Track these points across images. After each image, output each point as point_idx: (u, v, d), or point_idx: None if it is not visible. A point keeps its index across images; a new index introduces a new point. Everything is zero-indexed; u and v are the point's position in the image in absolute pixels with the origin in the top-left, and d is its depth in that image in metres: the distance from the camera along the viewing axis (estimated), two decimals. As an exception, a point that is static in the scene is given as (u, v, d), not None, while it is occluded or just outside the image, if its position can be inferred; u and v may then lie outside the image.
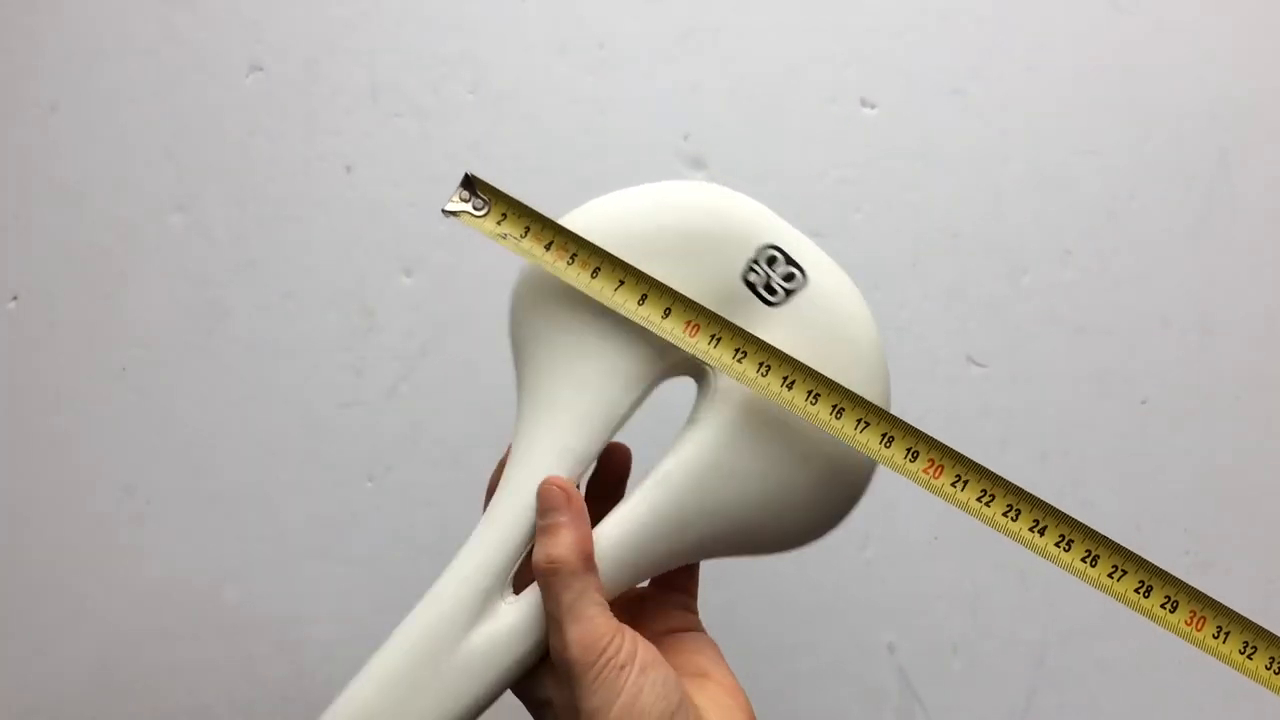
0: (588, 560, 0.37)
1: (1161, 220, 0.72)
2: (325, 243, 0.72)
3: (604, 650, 0.35)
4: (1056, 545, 0.38)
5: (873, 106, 0.72)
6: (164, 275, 0.72)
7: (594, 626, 0.35)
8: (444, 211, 0.39)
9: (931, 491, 0.37)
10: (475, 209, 0.39)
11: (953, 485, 0.37)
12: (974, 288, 0.71)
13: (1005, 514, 0.37)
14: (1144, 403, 0.71)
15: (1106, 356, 0.71)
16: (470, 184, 0.40)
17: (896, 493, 0.71)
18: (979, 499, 0.37)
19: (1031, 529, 0.37)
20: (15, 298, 0.72)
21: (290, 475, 0.72)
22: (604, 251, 0.39)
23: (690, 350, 0.38)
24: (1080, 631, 0.71)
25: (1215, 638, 0.37)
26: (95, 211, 0.72)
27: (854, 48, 0.72)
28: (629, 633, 0.36)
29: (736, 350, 0.38)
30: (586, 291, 0.38)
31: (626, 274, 0.38)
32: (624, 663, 0.35)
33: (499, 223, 0.39)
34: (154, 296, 0.72)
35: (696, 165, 0.71)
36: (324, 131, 0.72)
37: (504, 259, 0.72)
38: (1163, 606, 0.37)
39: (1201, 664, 0.71)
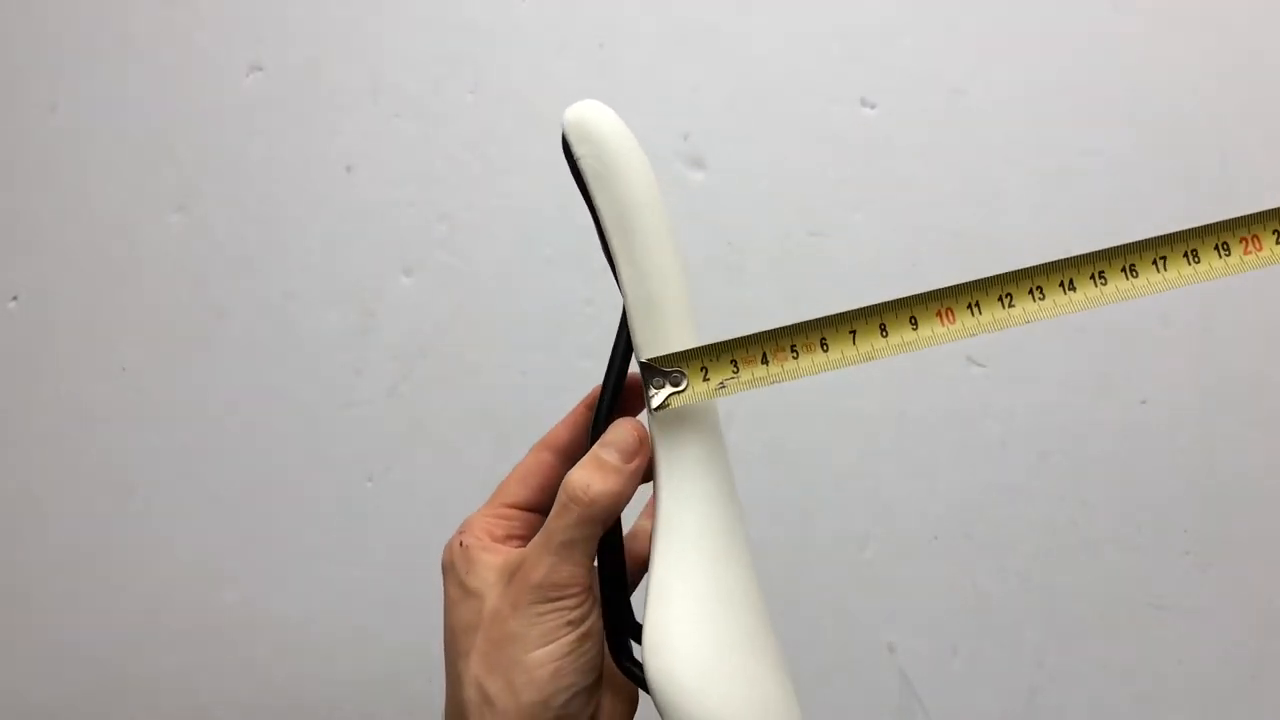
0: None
1: (1160, 220, 0.71)
2: (325, 243, 0.72)
3: (567, 596, 0.35)
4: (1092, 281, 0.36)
5: (873, 106, 0.72)
6: (164, 275, 0.72)
7: (575, 573, 0.36)
8: (653, 411, 0.36)
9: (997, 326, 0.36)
10: (676, 385, 0.36)
11: (970, 310, 0.36)
12: (974, 288, 0.71)
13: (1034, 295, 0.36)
14: (1144, 403, 0.71)
15: (1106, 356, 0.71)
16: (651, 371, 0.36)
17: (896, 493, 0.71)
18: (1001, 302, 0.36)
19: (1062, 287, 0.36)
20: (15, 298, 0.72)
21: (290, 475, 0.72)
22: (817, 321, 0.36)
23: (959, 338, 0.36)
24: (1080, 631, 0.71)
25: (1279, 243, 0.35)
26: (95, 211, 0.72)
27: (854, 48, 0.72)
28: (596, 606, 0.36)
29: (1000, 299, 0.37)
30: (827, 370, 0.36)
31: (850, 321, 0.36)
32: (574, 620, 0.35)
33: (707, 379, 0.36)
34: (154, 296, 0.72)
35: (696, 165, 0.71)
36: (324, 131, 0.72)
37: (503, 260, 0.72)
38: (1216, 250, 0.35)
39: (1202, 664, 0.71)
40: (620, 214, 0.38)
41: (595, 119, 0.38)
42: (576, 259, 0.69)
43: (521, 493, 0.40)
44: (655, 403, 0.36)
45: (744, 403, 0.69)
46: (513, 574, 0.36)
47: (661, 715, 0.34)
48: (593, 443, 0.37)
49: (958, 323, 0.36)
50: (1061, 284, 0.35)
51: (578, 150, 0.38)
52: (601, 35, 0.72)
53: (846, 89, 0.72)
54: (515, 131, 0.71)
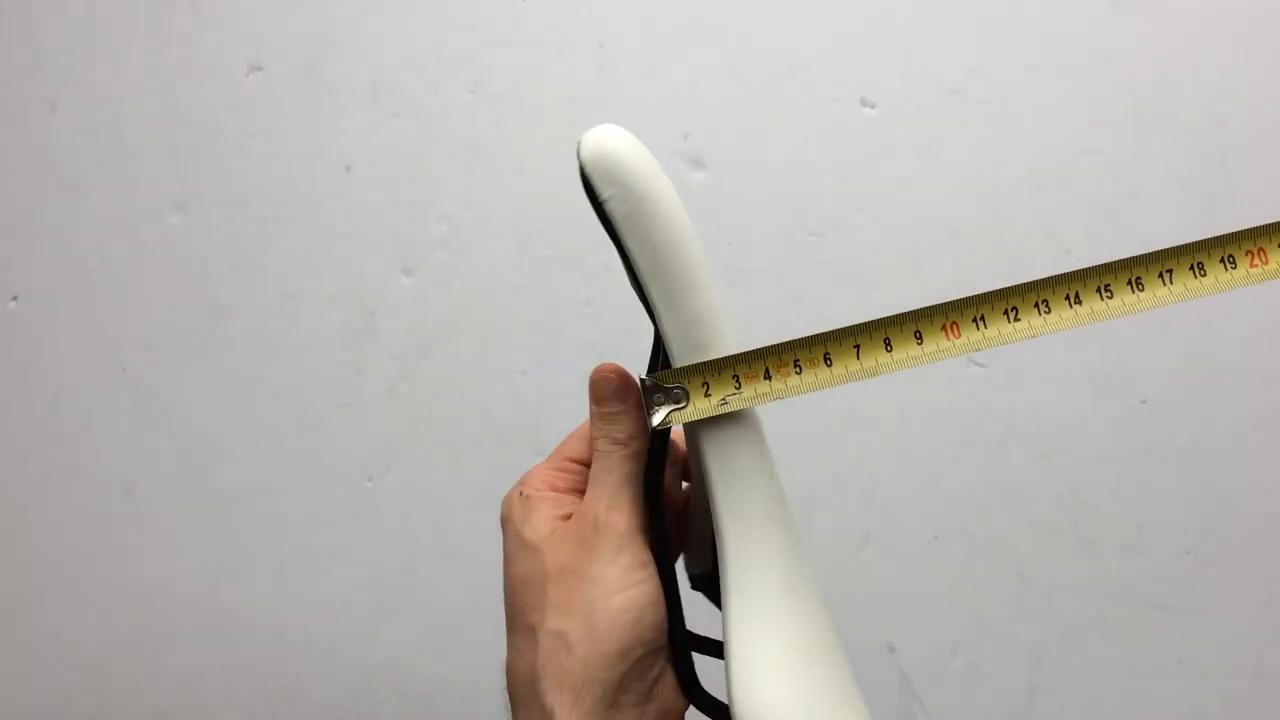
0: (641, 450, 0.37)
1: (1161, 220, 0.72)
2: (325, 243, 0.72)
3: (637, 535, 0.36)
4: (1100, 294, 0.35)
5: (873, 106, 0.72)
6: (164, 275, 0.72)
7: (638, 518, 0.36)
8: (655, 430, 0.35)
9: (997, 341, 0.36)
10: (677, 403, 0.35)
11: (974, 324, 0.36)
12: (974, 288, 0.71)
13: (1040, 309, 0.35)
14: (1144, 403, 0.71)
15: (1106, 356, 0.71)
16: (651, 389, 0.35)
17: (896, 493, 0.71)
18: (1007, 317, 0.36)
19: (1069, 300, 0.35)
20: (15, 298, 0.72)
21: (290, 475, 0.72)
22: (820, 335, 0.35)
23: (964, 352, 0.35)
24: (1080, 631, 0.71)
25: None
26: (95, 211, 0.72)
27: (854, 48, 0.72)
28: (646, 545, 0.36)
29: (1005, 312, 0.36)
30: (831, 386, 0.35)
31: (854, 335, 0.35)
32: (646, 563, 0.36)
33: (708, 395, 0.35)
34: (154, 296, 0.72)
35: (696, 165, 0.71)
36: (324, 131, 0.72)
37: (503, 260, 0.72)
38: (1222, 263, 0.35)
39: (1202, 664, 0.71)
40: (656, 258, 0.35)
41: (618, 152, 0.34)
42: (576, 259, 0.69)
43: (585, 449, 0.40)
44: (655, 420, 0.35)
45: (744, 403, 0.69)
46: (579, 523, 0.36)
47: None
48: (655, 495, 0.37)
49: (963, 337, 0.35)
50: (1067, 297, 0.35)
51: (604, 193, 0.34)
52: (601, 35, 0.72)
53: (846, 89, 0.72)
54: (515, 131, 0.71)
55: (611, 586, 0.35)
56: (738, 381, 0.35)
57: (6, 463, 0.72)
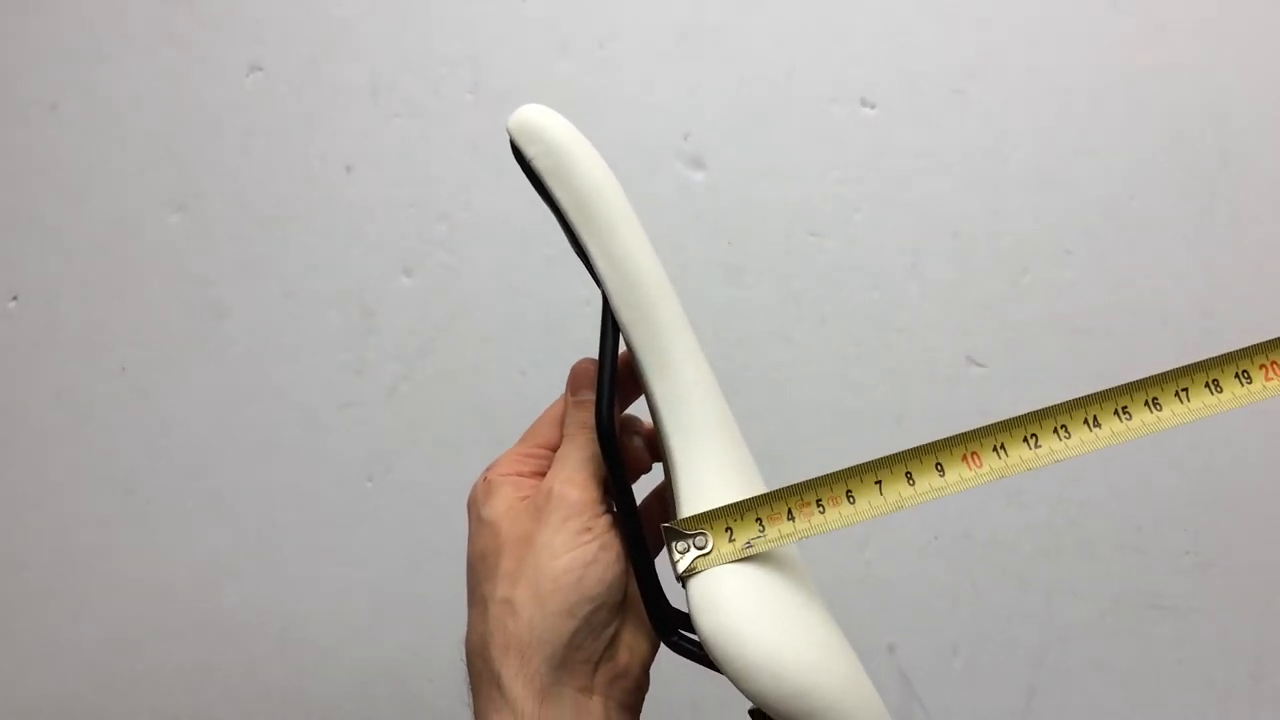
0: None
1: (1161, 220, 0.72)
2: (325, 243, 0.72)
3: (589, 506, 0.37)
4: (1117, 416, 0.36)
5: (873, 106, 0.72)
6: (164, 275, 0.72)
7: (589, 486, 0.37)
8: (680, 578, 0.35)
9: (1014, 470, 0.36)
10: (700, 548, 0.35)
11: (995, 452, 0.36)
12: (974, 288, 0.71)
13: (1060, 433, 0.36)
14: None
15: (1106, 356, 0.71)
16: (673, 535, 0.35)
17: (896, 493, 0.71)
18: (1027, 442, 0.36)
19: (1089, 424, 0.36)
20: (15, 298, 0.72)
21: (290, 475, 0.72)
22: (842, 472, 0.36)
23: (987, 481, 0.35)
24: (1080, 631, 0.71)
25: None
26: (95, 211, 0.72)
27: (854, 48, 0.72)
28: (614, 528, 0.37)
29: (1026, 439, 0.36)
30: (855, 522, 0.35)
31: (876, 470, 0.36)
32: (592, 529, 0.37)
33: (732, 540, 0.35)
34: (154, 296, 0.72)
35: (696, 165, 0.71)
36: (324, 131, 0.72)
37: (503, 260, 0.72)
38: (1236, 377, 0.36)
39: (1202, 664, 0.71)
40: (581, 204, 0.38)
41: (538, 120, 0.39)
42: (576, 259, 0.69)
43: (551, 434, 0.41)
44: (681, 568, 0.35)
45: (743, 403, 0.69)
46: (535, 497, 0.38)
47: (727, 673, 0.34)
48: (606, 424, 0.38)
49: (985, 465, 0.35)
50: (1086, 421, 0.36)
51: (528, 151, 0.38)
52: (601, 35, 0.72)
53: (846, 89, 0.72)
54: (515, 131, 0.71)
55: (555, 550, 0.36)
56: (761, 525, 0.35)
57: (6, 463, 0.72)
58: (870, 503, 0.35)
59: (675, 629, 0.37)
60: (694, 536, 0.35)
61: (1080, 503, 0.71)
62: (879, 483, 0.35)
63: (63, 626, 0.72)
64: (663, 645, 0.38)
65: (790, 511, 0.35)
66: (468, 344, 0.72)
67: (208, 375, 0.72)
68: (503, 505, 0.38)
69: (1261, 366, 0.35)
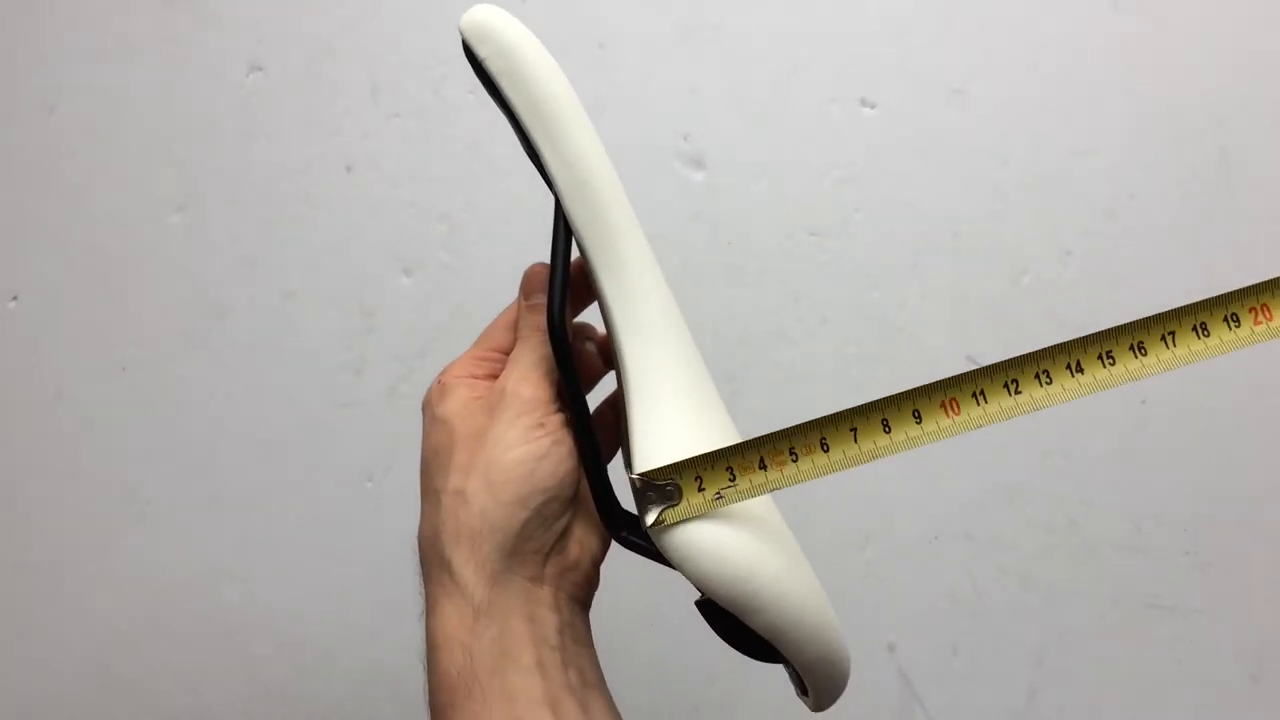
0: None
1: (1161, 220, 0.72)
2: (325, 243, 0.72)
3: (539, 403, 0.37)
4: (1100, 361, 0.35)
5: (873, 106, 0.72)
6: (164, 275, 0.72)
7: (543, 384, 0.38)
8: (650, 530, 0.34)
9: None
10: (670, 500, 0.34)
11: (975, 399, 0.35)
12: (974, 288, 0.71)
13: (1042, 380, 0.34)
14: (1144, 403, 0.71)
15: (1106, 356, 0.71)
16: (645, 488, 0.35)
17: (896, 493, 0.71)
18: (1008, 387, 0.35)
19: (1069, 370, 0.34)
20: (15, 298, 0.72)
21: (290, 475, 0.72)
22: (816, 421, 0.34)
23: (965, 430, 0.34)
24: (1080, 631, 0.71)
25: None
26: (95, 211, 0.72)
27: (854, 48, 0.72)
28: (564, 423, 0.38)
29: (1006, 385, 0.35)
30: (830, 472, 0.34)
31: (851, 418, 0.34)
32: (545, 425, 0.37)
33: (702, 490, 0.34)
34: (154, 296, 0.72)
35: (696, 165, 0.71)
36: (324, 131, 0.72)
37: (503, 260, 0.72)
38: (1225, 321, 0.34)
39: (1202, 664, 0.71)
40: (534, 104, 0.38)
41: (490, 20, 0.39)
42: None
43: (505, 338, 0.42)
44: (650, 519, 0.34)
45: (743, 403, 0.69)
46: (489, 395, 0.38)
47: (672, 560, 0.34)
48: (558, 325, 0.38)
49: (963, 414, 0.34)
50: (1069, 367, 0.34)
51: (480, 51, 0.39)
52: (601, 35, 0.72)
53: (846, 89, 0.72)
54: (515, 131, 0.71)
55: (509, 444, 0.37)
56: (732, 474, 0.34)
57: (6, 463, 0.72)
58: (845, 452, 0.34)
59: (624, 526, 0.37)
60: (664, 486, 0.35)
61: (1080, 503, 0.71)
62: (854, 430, 0.34)
63: (63, 626, 0.72)
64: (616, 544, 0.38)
65: (763, 461, 0.34)
66: (468, 344, 0.71)
67: (208, 375, 0.72)
68: (457, 404, 0.39)
69: (1251, 310, 0.34)
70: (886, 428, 0.34)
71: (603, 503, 0.37)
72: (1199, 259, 0.72)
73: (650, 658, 0.69)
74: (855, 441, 0.34)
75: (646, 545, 0.36)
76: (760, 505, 0.37)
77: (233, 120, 0.72)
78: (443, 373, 0.41)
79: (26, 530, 0.72)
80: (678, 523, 0.34)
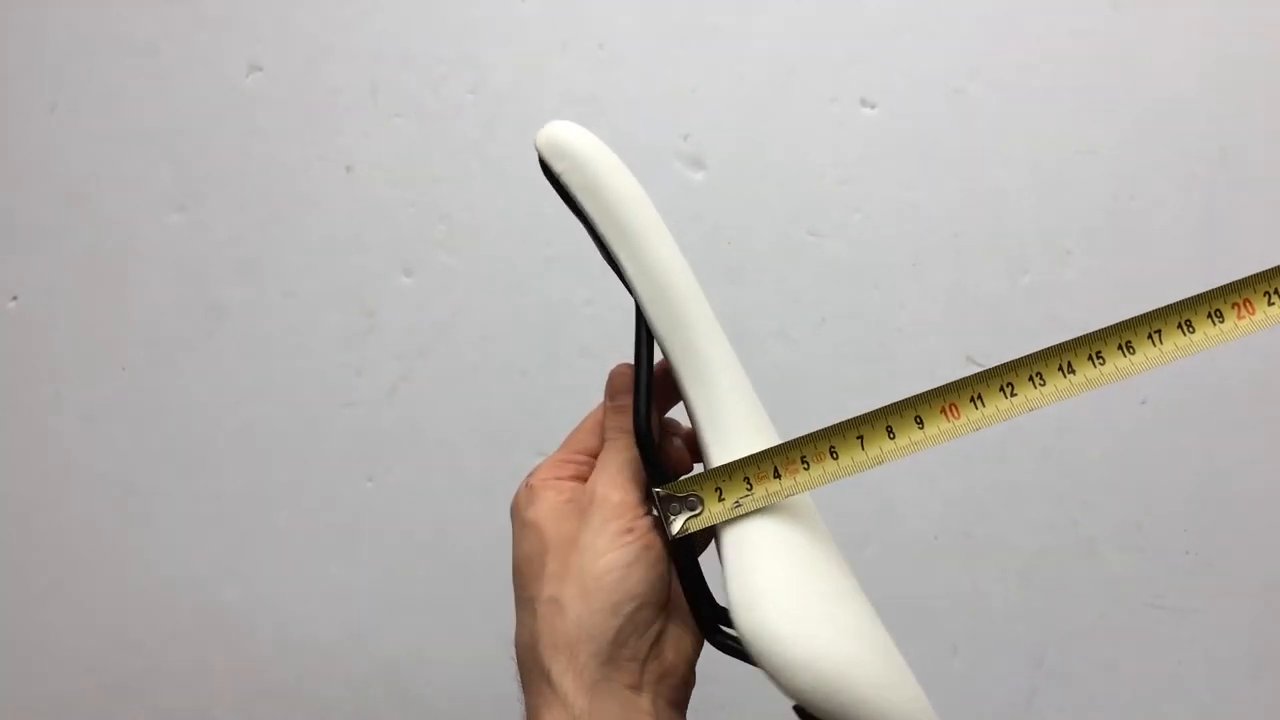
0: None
1: (1161, 220, 0.72)
2: (325, 243, 0.72)
3: (631, 507, 0.38)
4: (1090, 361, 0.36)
5: (873, 106, 0.72)
6: (164, 275, 0.72)
7: (630, 488, 0.38)
8: (674, 538, 0.37)
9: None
10: (693, 509, 0.37)
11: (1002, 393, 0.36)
12: (974, 288, 0.71)
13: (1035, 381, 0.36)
14: (1144, 403, 0.71)
15: (1106, 356, 0.71)
16: (663, 500, 0.37)
17: (896, 493, 0.71)
18: (1004, 392, 0.36)
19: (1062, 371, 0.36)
20: (15, 298, 0.72)
21: (290, 475, 0.72)
22: (825, 430, 0.37)
23: (966, 432, 0.37)
24: (1080, 631, 0.71)
25: (1271, 304, 0.36)
26: (95, 211, 0.72)
27: (854, 48, 0.72)
28: (654, 525, 0.38)
29: (1002, 389, 0.36)
30: (839, 478, 0.37)
31: (857, 426, 0.37)
32: (634, 529, 0.37)
33: (722, 499, 0.37)
34: (154, 296, 0.72)
35: (696, 165, 0.71)
36: (324, 131, 0.72)
37: (503, 260, 0.72)
38: (1209, 318, 0.36)
39: (1202, 664, 0.71)
40: (612, 216, 0.39)
41: (565, 135, 0.39)
42: (576, 259, 0.69)
43: (591, 440, 0.42)
44: (675, 529, 0.37)
45: (744, 403, 0.69)
46: (580, 500, 0.39)
47: (766, 670, 0.35)
48: (644, 429, 0.39)
49: (962, 417, 0.36)
50: (1060, 368, 0.36)
51: (556, 167, 0.39)
52: (601, 35, 0.72)
53: (846, 89, 0.72)
54: (515, 131, 0.71)
55: (599, 550, 0.37)
56: (749, 483, 0.37)
57: (6, 463, 0.72)
58: (853, 458, 0.36)
59: (719, 627, 0.38)
60: (687, 498, 0.37)
61: (1080, 503, 0.71)
62: (860, 438, 0.37)
63: (62, 626, 0.72)
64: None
65: (776, 469, 0.37)
66: (468, 344, 0.72)
67: (208, 375, 0.72)
68: (546, 508, 0.39)
69: (1234, 305, 0.36)
70: (891, 434, 0.37)
71: (697, 604, 0.38)
72: (1199, 258, 0.72)
73: None
74: (862, 448, 0.37)
75: (742, 649, 0.36)
76: (841, 577, 0.38)
77: (232, 120, 0.72)
78: (530, 475, 0.41)
79: (26, 530, 0.72)
80: (772, 631, 0.35)
